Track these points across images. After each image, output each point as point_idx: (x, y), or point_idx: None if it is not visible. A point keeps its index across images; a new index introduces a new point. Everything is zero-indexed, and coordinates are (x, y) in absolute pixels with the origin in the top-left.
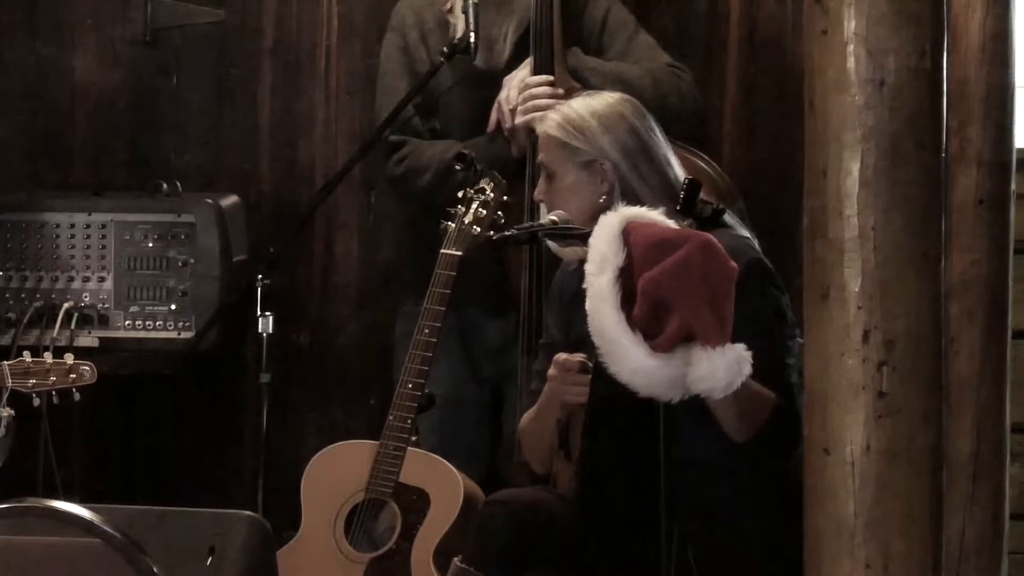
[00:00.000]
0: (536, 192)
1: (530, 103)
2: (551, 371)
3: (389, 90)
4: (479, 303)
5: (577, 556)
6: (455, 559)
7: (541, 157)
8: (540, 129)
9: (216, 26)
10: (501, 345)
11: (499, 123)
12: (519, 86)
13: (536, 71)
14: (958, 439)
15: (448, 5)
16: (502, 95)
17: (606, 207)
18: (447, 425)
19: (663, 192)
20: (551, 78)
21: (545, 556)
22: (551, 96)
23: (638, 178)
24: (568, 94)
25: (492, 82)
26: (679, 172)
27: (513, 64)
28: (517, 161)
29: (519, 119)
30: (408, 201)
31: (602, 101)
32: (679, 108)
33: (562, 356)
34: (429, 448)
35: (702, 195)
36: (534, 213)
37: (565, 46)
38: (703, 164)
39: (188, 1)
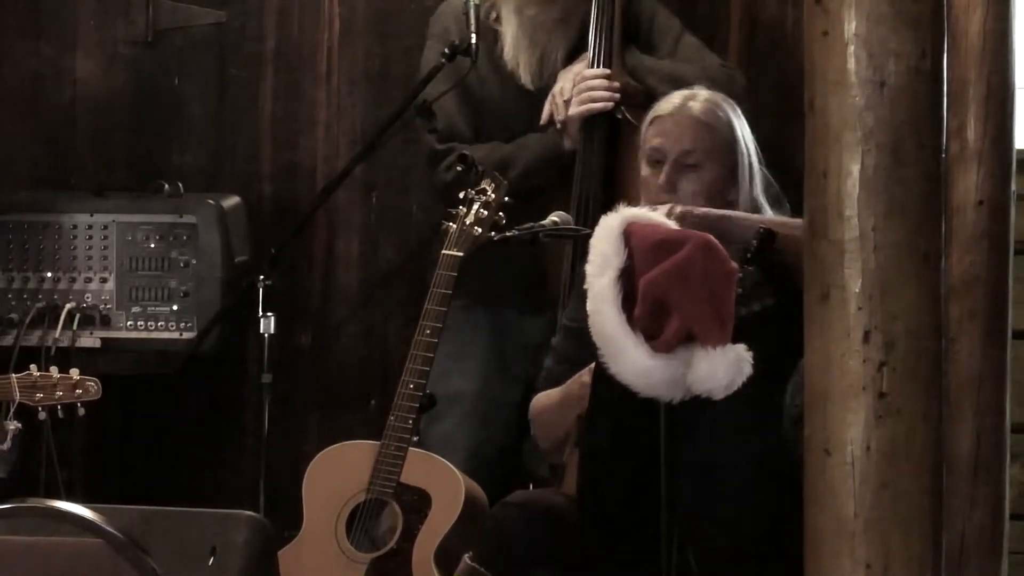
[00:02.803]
0: (664, 183)
1: (585, 94)
2: (585, 378)
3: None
4: (516, 302)
5: (585, 557)
6: (465, 556)
7: (683, 147)
8: (681, 111)
9: (217, 27)
10: (536, 344)
11: (551, 116)
12: (574, 78)
13: (594, 65)
14: (958, 439)
15: (494, 14)
16: (556, 88)
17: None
18: (476, 422)
19: (752, 206)
20: (608, 71)
21: (556, 558)
22: (607, 88)
23: (747, 185)
24: (624, 89)
25: (532, 92)
26: (759, 186)
27: None
28: (570, 154)
29: (573, 110)
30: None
31: (722, 96)
32: None
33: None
34: (458, 446)
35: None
36: (585, 207)
37: (624, 44)
38: None
39: (189, 2)
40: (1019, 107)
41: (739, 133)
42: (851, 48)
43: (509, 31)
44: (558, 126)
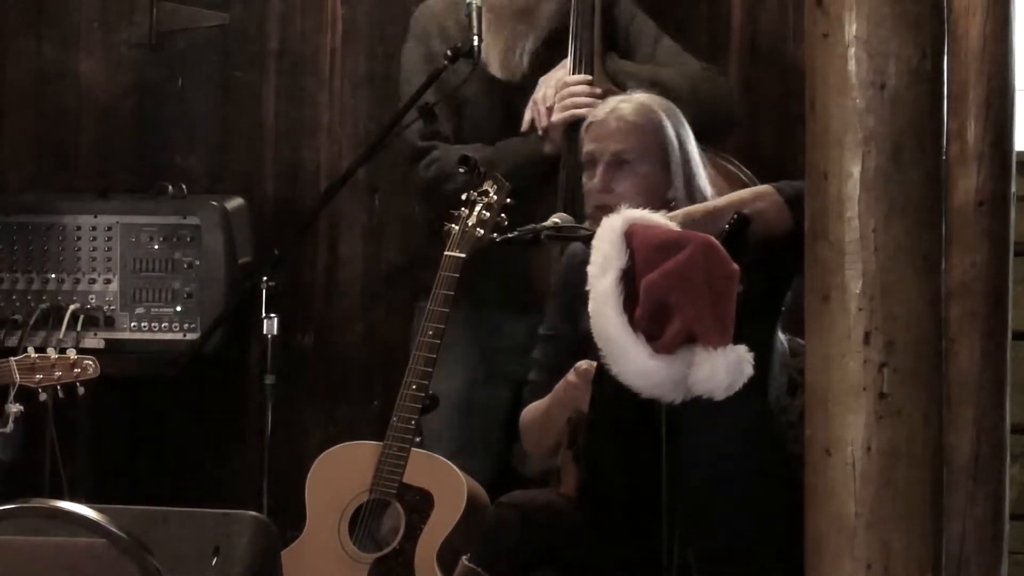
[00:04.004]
0: (599, 184)
1: (568, 100)
2: (571, 378)
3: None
4: (500, 303)
5: (584, 558)
6: (463, 558)
7: (615, 147)
8: (612, 115)
9: (221, 29)
10: (522, 345)
11: (533, 122)
12: (556, 85)
13: (574, 71)
14: (958, 440)
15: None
16: (538, 94)
17: (666, 208)
18: (465, 423)
19: (688, 199)
20: (590, 77)
21: (554, 558)
22: (589, 95)
23: (683, 182)
24: (605, 95)
25: (509, 92)
26: (705, 183)
27: (530, 76)
28: (550, 159)
29: (556, 116)
30: (438, 204)
31: (658, 99)
32: (716, 111)
33: (584, 365)
34: (446, 446)
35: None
36: (571, 211)
37: (603, 49)
38: (734, 168)
39: (193, 4)
40: (1019, 109)
41: (670, 132)
42: (852, 50)
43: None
44: (540, 132)
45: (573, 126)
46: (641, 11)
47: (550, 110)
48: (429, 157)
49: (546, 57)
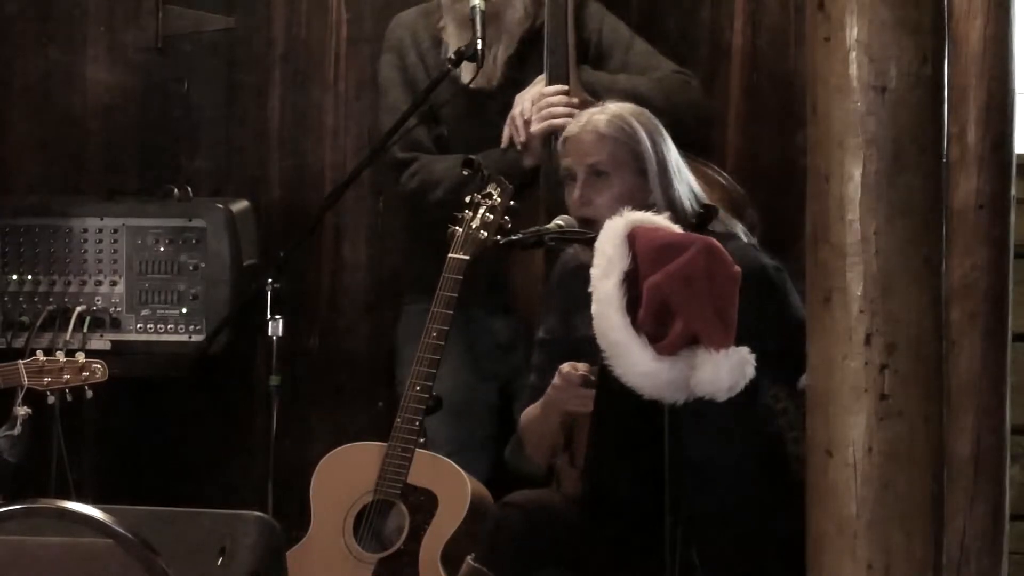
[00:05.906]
0: (578, 197)
1: (546, 111)
2: (556, 381)
3: (393, 109)
4: (482, 304)
5: (587, 558)
6: (468, 557)
7: (591, 160)
8: (586, 128)
9: (226, 33)
10: (507, 344)
11: (511, 138)
12: (533, 98)
13: (550, 83)
14: (959, 441)
15: (441, 23)
16: (516, 110)
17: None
18: (454, 425)
19: (667, 204)
20: (567, 88)
21: (557, 558)
22: (566, 105)
23: (660, 188)
24: (582, 105)
25: (485, 99)
26: (686, 186)
27: (505, 84)
28: (530, 172)
29: (535, 127)
30: (423, 214)
31: (631, 109)
32: (690, 116)
33: (566, 368)
34: (435, 447)
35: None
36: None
37: (577, 60)
38: (713, 173)
39: (199, 8)
40: (1019, 112)
41: (645, 140)
42: (853, 54)
43: (451, 30)
44: (519, 147)
45: (551, 136)
46: (611, 15)
47: (528, 123)
48: (410, 169)
49: (520, 67)
